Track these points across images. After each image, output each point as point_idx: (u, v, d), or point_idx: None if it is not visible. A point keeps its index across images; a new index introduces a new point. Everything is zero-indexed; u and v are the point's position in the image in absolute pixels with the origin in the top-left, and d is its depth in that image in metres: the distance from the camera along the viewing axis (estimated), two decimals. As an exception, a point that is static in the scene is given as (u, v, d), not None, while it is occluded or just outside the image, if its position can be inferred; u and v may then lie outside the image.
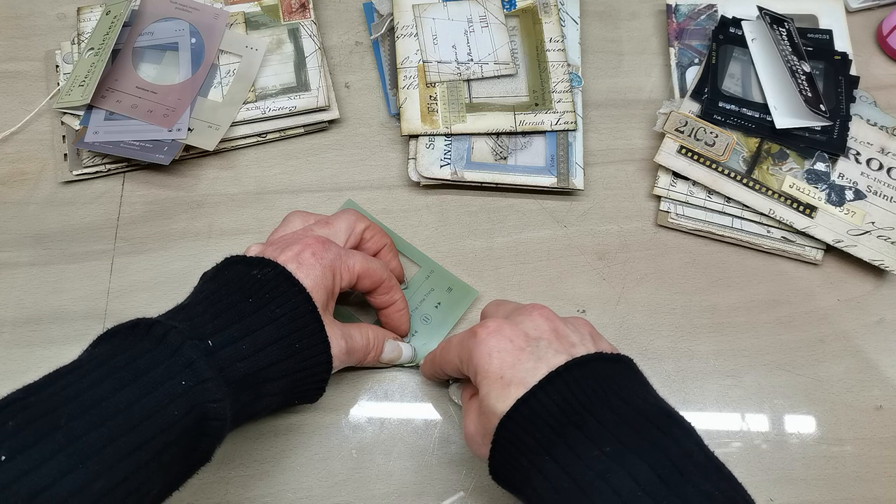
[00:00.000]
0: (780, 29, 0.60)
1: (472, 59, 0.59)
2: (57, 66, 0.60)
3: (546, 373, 0.37)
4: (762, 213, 0.55)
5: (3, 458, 0.31)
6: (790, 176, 0.56)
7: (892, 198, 0.55)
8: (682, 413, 0.51)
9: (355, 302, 0.52)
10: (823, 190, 0.55)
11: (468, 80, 0.58)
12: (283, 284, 0.41)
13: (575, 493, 0.34)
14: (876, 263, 0.54)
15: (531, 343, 0.39)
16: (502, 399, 0.37)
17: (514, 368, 0.38)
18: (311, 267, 0.43)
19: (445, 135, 0.56)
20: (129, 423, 0.34)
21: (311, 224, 0.47)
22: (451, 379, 0.49)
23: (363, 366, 0.48)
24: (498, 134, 0.57)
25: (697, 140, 0.56)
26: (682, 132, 0.57)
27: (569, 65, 0.59)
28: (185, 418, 0.36)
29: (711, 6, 0.63)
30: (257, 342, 0.39)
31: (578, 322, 0.42)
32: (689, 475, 0.33)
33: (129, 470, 0.33)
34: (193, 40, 0.59)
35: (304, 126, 0.58)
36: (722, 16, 0.62)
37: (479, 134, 0.57)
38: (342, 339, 0.44)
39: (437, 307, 0.52)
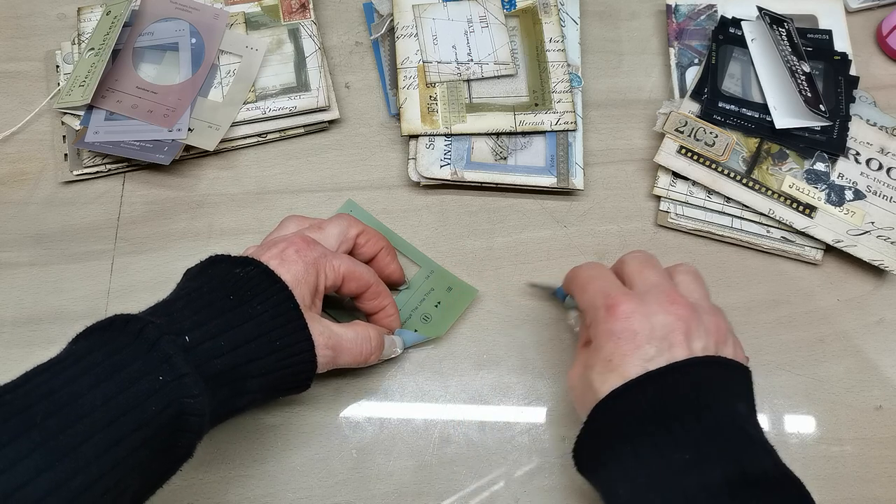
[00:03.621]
0: (780, 29, 0.60)
1: (472, 60, 0.59)
2: (57, 67, 0.60)
3: (648, 370, 0.38)
4: (762, 213, 0.55)
5: None
6: (790, 176, 0.56)
7: (891, 198, 0.55)
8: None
9: (350, 307, 0.52)
10: (823, 190, 0.55)
11: (468, 80, 0.58)
12: (264, 282, 0.41)
13: (647, 489, 0.36)
14: (876, 263, 0.54)
15: (653, 340, 0.39)
16: (602, 381, 0.39)
17: (623, 357, 0.38)
18: (292, 263, 0.43)
19: (445, 135, 0.57)
20: (106, 420, 0.34)
21: (304, 228, 0.47)
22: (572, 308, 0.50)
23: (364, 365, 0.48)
24: (498, 134, 0.57)
25: (697, 140, 0.56)
26: (681, 132, 0.57)
27: (569, 65, 0.59)
28: (163, 414, 0.36)
29: (711, 6, 0.63)
30: (236, 339, 0.39)
31: (713, 320, 0.41)
32: (758, 489, 0.35)
33: (107, 466, 0.33)
34: (193, 40, 0.59)
35: (304, 126, 0.58)
36: (722, 16, 0.62)
37: (479, 134, 0.57)
38: (329, 337, 0.43)
39: (437, 306, 0.52)
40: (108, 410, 0.34)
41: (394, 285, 0.52)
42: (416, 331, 0.51)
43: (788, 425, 0.51)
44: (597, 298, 0.41)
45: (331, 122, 0.59)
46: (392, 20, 0.60)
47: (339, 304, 0.52)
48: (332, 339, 0.44)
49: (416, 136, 0.57)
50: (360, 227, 0.49)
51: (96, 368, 0.35)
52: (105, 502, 0.33)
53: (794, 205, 0.55)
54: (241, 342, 0.39)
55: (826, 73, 0.59)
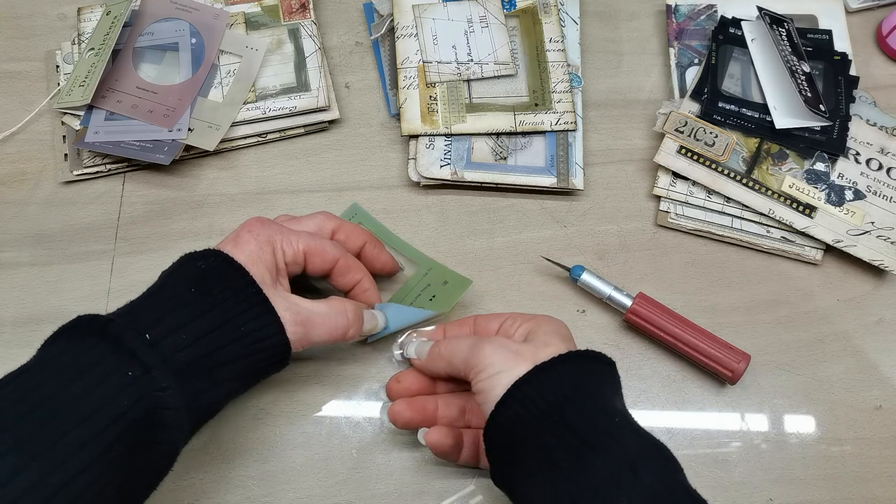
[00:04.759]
0: (780, 29, 0.60)
1: (472, 60, 0.59)
2: (57, 67, 0.60)
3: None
4: (762, 213, 0.55)
5: None
6: (790, 176, 0.56)
7: (891, 198, 0.55)
8: (682, 414, 0.52)
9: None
10: (823, 190, 0.55)
11: (468, 81, 0.58)
12: (224, 269, 0.41)
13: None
14: (875, 263, 0.54)
15: None
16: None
17: None
18: (245, 243, 0.43)
19: (445, 135, 0.57)
20: (78, 418, 0.34)
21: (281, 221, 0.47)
22: None
23: (345, 342, 0.47)
24: (498, 134, 0.57)
25: (697, 140, 0.56)
26: (681, 132, 0.57)
27: (569, 65, 0.59)
28: (135, 408, 0.36)
29: (711, 6, 0.63)
30: (199, 330, 0.39)
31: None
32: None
33: (83, 463, 0.34)
34: (193, 40, 0.59)
35: (304, 126, 0.58)
36: (722, 16, 0.62)
37: (479, 134, 0.57)
38: (297, 313, 0.43)
39: (431, 300, 0.52)
40: (79, 409, 0.34)
41: (389, 274, 0.52)
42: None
43: (788, 425, 0.51)
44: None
45: (331, 122, 0.59)
46: (392, 20, 0.60)
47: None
48: (300, 314, 0.43)
49: (416, 136, 0.57)
50: (338, 223, 0.48)
51: (65, 370, 0.36)
52: (86, 498, 0.34)
53: (794, 205, 0.55)
54: (204, 333, 0.39)
55: (826, 73, 0.59)
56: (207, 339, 0.39)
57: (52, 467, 0.33)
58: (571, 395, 0.38)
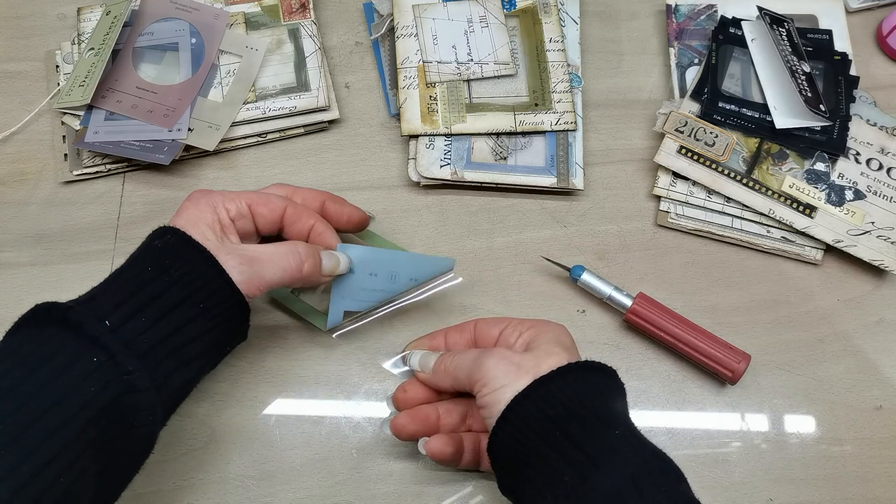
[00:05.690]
0: (780, 29, 0.60)
1: (472, 59, 0.59)
2: (57, 67, 0.60)
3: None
4: (762, 213, 0.55)
5: None
6: (790, 176, 0.56)
7: (891, 198, 0.55)
8: (682, 414, 0.52)
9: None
10: (823, 190, 0.55)
11: (468, 80, 0.58)
12: (176, 244, 0.41)
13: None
14: (876, 263, 0.54)
15: None
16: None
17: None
18: (185, 210, 0.43)
19: (445, 135, 0.57)
20: (43, 407, 0.34)
21: None
22: None
23: (309, 284, 0.46)
24: (498, 134, 0.57)
25: (697, 140, 0.56)
26: (681, 132, 0.57)
27: (569, 65, 0.59)
28: (103, 395, 0.36)
29: (711, 6, 0.63)
30: (157, 312, 0.39)
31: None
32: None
33: (55, 450, 0.34)
34: (193, 40, 0.59)
35: (304, 126, 0.58)
36: (722, 16, 0.62)
37: (479, 134, 0.57)
38: (241, 255, 0.42)
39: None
40: (44, 398, 0.34)
41: (359, 227, 0.50)
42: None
43: (788, 425, 0.51)
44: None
45: (331, 122, 0.59)
46: (392, 20, 0.60)
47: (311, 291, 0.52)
48: (245, 255, 0.42)
49: (416, 136, 0.57)
50: (292, 189, 0.48)
51: (28, 360, 0.36)
52: (62, 485, 0.34)
53: (794, 205, 0.55)
54: (162, 314, 0.39)
55: (826, 73, 0.59)
56: (167, 321, 0.39)
57: (22, 457, 0.33)
58: (571, 408, 0.38)
